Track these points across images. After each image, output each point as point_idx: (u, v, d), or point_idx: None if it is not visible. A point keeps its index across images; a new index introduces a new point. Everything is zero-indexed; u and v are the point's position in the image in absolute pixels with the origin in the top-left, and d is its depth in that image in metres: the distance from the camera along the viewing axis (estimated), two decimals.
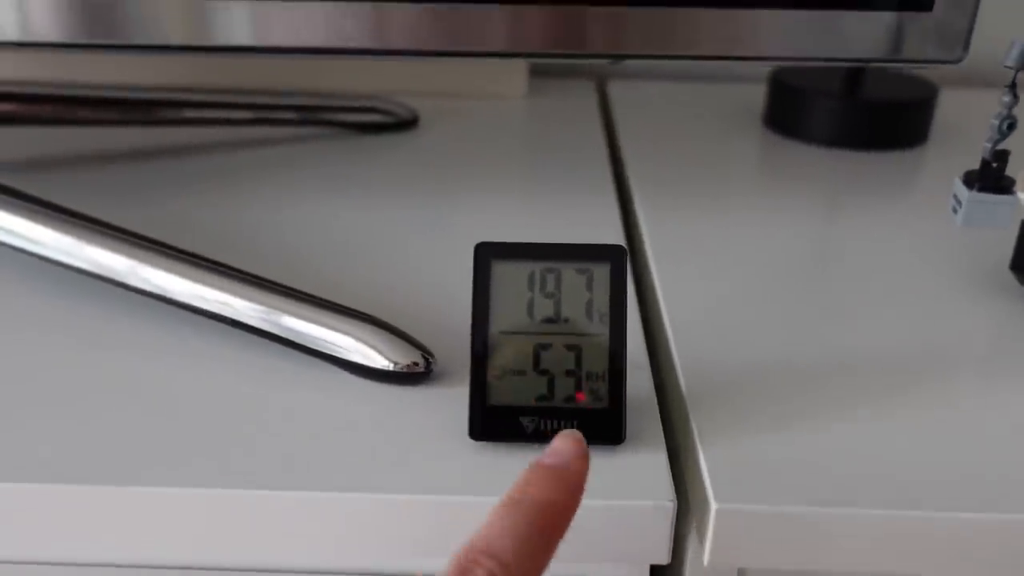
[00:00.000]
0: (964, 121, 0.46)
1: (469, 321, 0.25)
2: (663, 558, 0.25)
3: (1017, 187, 0.30)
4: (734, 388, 0.28)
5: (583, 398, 0.25)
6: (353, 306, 0.29)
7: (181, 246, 0.31)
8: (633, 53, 0.33)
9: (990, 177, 0.30)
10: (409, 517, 0.24)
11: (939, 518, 0.23)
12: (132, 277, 0.29)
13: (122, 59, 0.47)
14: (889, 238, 0.38)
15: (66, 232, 0.30)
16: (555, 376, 0.25)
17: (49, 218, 0.31)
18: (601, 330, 0.25)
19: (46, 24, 0.31)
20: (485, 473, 0.24)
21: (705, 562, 0.24)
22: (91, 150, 0.44)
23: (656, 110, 0.51)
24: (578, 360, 0.25)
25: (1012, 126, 0.29)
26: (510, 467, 0.24)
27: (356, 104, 0.47)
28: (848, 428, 0.26)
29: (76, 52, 0.34)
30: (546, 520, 0.20)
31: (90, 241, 0.30)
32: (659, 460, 0.25)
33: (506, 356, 0.25)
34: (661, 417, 0.27)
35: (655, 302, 0.33)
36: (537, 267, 0.25)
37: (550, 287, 0.25)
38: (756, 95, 0.49)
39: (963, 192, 0.30)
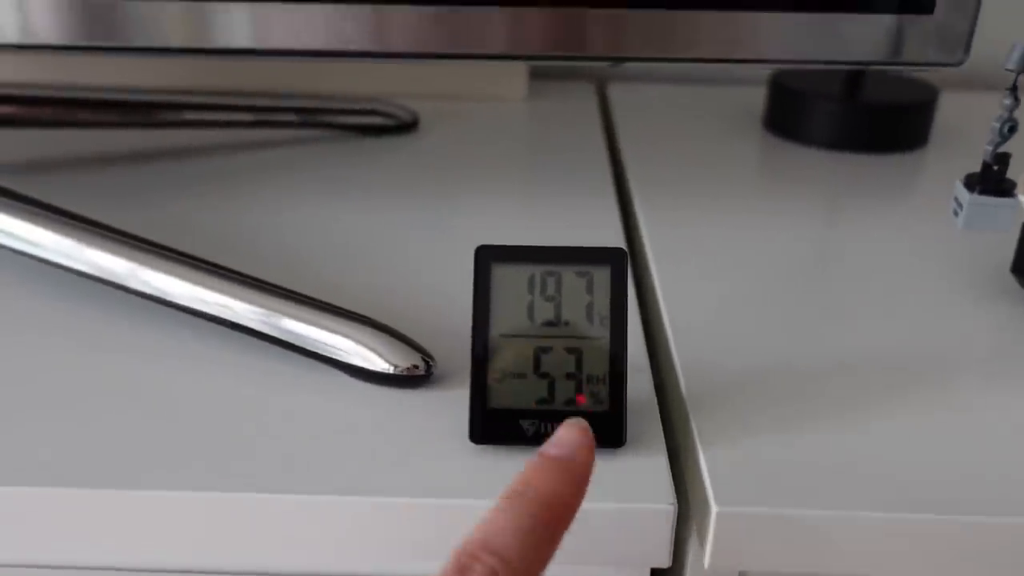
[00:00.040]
0: (964, 124, 0.46)
1: (469, 324, 0.25)
2: (664, 561, 0.25)
3: (1018, 190, 0.30)
4: (735, 391, 0.28)
5: (583, 401, 0.25)
6: (353, 309, 0.29)
7: (181, 248, 0.31)
8: (633, 56, 0.33)
9: (991, 180, 0.30)
10: (409, 520, 0.24)
11: (940, 521, 0.23)
12: (132, 280, 0.29)
13: (122, 61, 0.47)
14: (889, 241, 0.38)
15: (66, 234, 0.30)
16: (555, 379, 0.25)
17: (49, 220, 0.31)
18: (601, 333, 0.25)
19: (46, 26, 0.31)
20: (485, 476, 0.24)
21: (706, 565, 0.24)
22: (91, 152, 0.44)
23: (656, 112, 0.51)
24: (578, 363, 0.25)
25: (1013, 129, 0.29)
26: (510, 470, 0.24)
27: (356, 107, 0.47)
28: (849, 431, 0.26)
29: (76, 54, 0.34)
30: (550, 514, 0.19)
31: (90, 243, 0.30)
32: (659, 463, 0.25)
33: (506, 359, 0.25)
34: (661, 420, 0.27)
35: (655, 304, 0.33)
36: (537, 270, 0.25)
37: (550, 290, 0.25)
38: (756, 98, 0.49)
39: (964, 195, 0.30)
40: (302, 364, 0.28)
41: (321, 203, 0.39)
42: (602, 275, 0.25)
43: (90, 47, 0.32)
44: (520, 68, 0.52)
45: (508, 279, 0.25)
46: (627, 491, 0.24)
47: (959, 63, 0.32)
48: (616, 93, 0.53)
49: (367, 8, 0.31)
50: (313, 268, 0.34)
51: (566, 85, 0.54)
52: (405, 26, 0.32)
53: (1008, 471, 0.25)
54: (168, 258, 0.29)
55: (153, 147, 0.45)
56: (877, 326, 0.31)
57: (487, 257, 0.25)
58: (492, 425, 0.25)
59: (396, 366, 0.27)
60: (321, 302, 0.29)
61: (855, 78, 0.46)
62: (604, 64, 0.49)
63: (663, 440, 0.26)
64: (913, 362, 0.30)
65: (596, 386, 0.25)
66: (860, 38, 0.32)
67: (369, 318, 0.28)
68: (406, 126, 0.47)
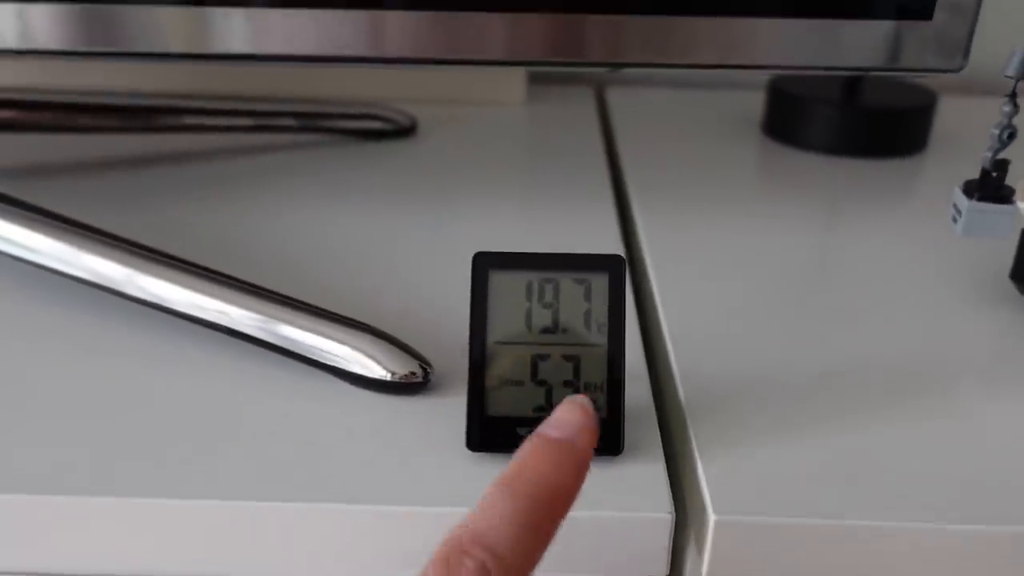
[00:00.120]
0: (963, 129, 0.46)
1: (467, 330, 0.25)
2: (661, 570, 0.24)
3: (1017, 197, 0.30)
4: (733, 398, 0.28)
5: None
6: (351, 315, 0.29)
7: (180, 253, 0.31)
8: (632, 62, 0.33)
9: (990, 187, 0.30)
10: (405, 528, 0.24)
11: (941, 529, 0.23)
12: (128, 286, 0.29)
13: (121, 65, 0.47)
14: (888, 246, 0.38)
15: (62, 240, 0.30)
16: (553, 387, 0.25)
17: (45, 226, 0.31)
18: (599, 340, 0.25)
19: (46, 31, 0.31)
20: (482, 484, 0.24)
21: (703, 574, 0.24)
22: (91, 157, 0.44)
23: (655, 117, 0.51)
24: (576, 371, 0.25)
25: (1012, 135, 0.29)
26: None
27: (355, 111, 0.47)
28: (848, 438, 0.26)
29: (76, 59, 0.34)
30: (547, 504, 0.17)
31: (86, 249, 0.30)
32: (657, 471, 0.25)
33: (504, 366, 0.25)
34: (660, 427, 0.27)
35: (653, 310, 0.33)
36: (535, 277, 0.25)
37: (548, 297, 0.25)
38: (755, 102, 0.49)
39: (963, 201, 0.30)
40: (299, 371, 0.28)
41: (320, 207, 0.39)
42: (600, 282, 0.25)
43: (90, 52, 0.32)
44: (519, 72, 0.52)
45: (506, 286, 0.25)
46: (624, 499, 0.24)
47: (958, 69, 0.32)
48: (615, 97, 0.53)
49: (365, 13, 0.32)
50: (311, 273, 0.34)
51: (565, 89, 0.54)
52: (403, 32, 0.32)
53: (1009, 478, 0.25)
54: (165, 264, 0.29)
55: (153, 151, 0.45)
56: (876, 332, 0.31)
57: (485, 264, 0.25)
58: (489, 433, 0.25)
59: (393, 373, 0.27)
60: (318, 308, 0.29)
61: (854, 83, 0.46)
62: (603, 69, 0.49)
63: (661, 448, 0.26)
64: (912, 368, 0.29)
65: (594, 394, 0.25)
66: (859, 44, 0.32)
67: (367, 325, 0.28)
68: (405, 130, 0.47)
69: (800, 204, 0.41)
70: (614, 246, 0.37)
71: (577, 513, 0.23)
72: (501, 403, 0.25)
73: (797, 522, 0.23)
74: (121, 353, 0.29)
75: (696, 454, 0.25)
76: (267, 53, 0.32)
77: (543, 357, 0.25)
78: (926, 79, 0.48)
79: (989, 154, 0.30)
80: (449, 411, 0.26)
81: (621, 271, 0.25)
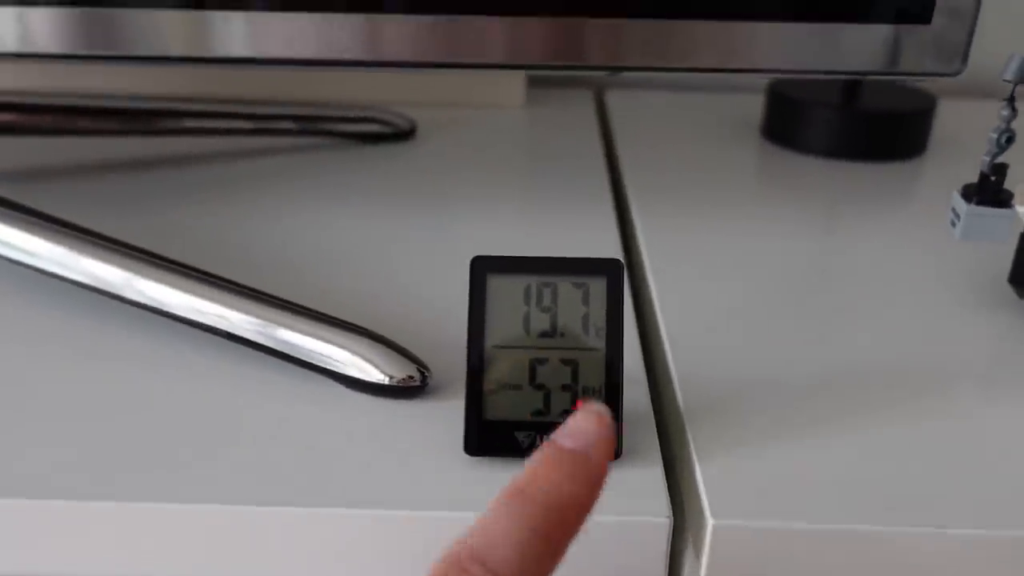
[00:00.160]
0: (962, 132, 0.46)
1: (465, 334, 0.25)
2: (659, 574, 0.24)
3: (1016, 201, 0.30)
4: (732, 401, 0.28)
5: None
6: (349, 318, 0.29)
7: (180, 255, 0.31)
8: (631, 65, 0.33)
9: (988, 191, 0.30)
10: (403, 533, 0.24)
11: (940, 534, 0.23)
12: (127, 289, 0.29)
13: (121, 68, 0.47)
14: (887, 249, 0.38)
15: (61, 244, 0.30)
16: (551, 391, 0.25)
17: (44, 230, 0.31)
18: (597, 344, 0.25)
19: (46, 35, 0.31)
20: (480, 489, 0.24)
21: None
22: (91, 160, 0.44)
23: (654, 120, 0.51)
24: (574, 374, 0.25)
25: (1010, 140, 0.29)
26: (505, 482, 0.24)
27: (354, 114, 0.47)
28: (847, 442, 0.26)
29: (76, 63, 0.34)
30: (557, 520, 0.16)
31: (85, 253, 0.30)
32: (655, 475, 0.25)
33: (502, 370, 0.25)
34: (658, 431, 0.27)
35: (652, 314, 0.33)
36: (533, 281, 0.25)
37: (546, 301, 0.25)
38: (754, 105, 0.49)
39: (961, 206, 0.30)
40: (296, 374, 0.28)
41: (319, 210, 0.39)
42: (598, 286, 0.25)
43: (90, 56, 0.32)
44: (518, 75, 0.52)
45: (504, 290, 0.25)
46: (622, 503, 0.24)
47: (956, 73, 0.32)
48: (614, 100, 0.53)
49: (365, 18, 0.32)
50: (310, 276, 0.34)
51: (564, 92, 0.54)
52: (403, 35, 0.32)
53: (1009, 482, 0.25)
54: (163, 268, 0.29)
55: (152, 154, 0.45)
56: (875, 336, 0.31)
57: (483, 267, 0.25)
58: (487, 437, 0.25)
59: (391, 377, 0.27)
60: (316, 312, 0.29)
61: (853, 87, 0.46)
62: (602, 73, 0.49)
63: (659, 452, 0.26)
64: (911, 372, 0.29)
65: (592, 397, 0.25)
66: (857, 48, 0.32)
67: (364, 328, 0.28)
68: (404, 134, 0.47)
69: (799, 207, 0.41)
70: (613, 249, 0.37)
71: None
72: (499, 407, 0.25)
73: (796, 526, 0.23)
74: (119, 357, 0.29)
75: (694, 458, 0.25)
76: (267, 57, 0.32)
77: (541, 361, 0.25)
78: (925, 82, 0.48)
79: (987, 158, 0.30)
80: (447, 415, 0.26)
81: (619, 275, 0.25)
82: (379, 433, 0.26)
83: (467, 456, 0.25)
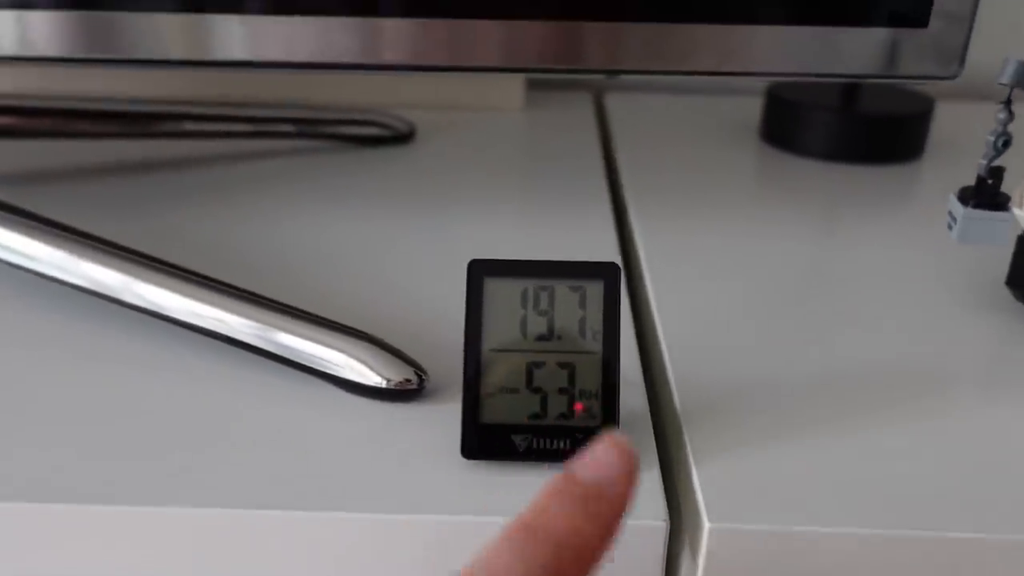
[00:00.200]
0: (961, 134, 0.46)
1: (463, 337, 0.25)
2: None
3: (1012, 204, 0.30)
4: (729, 404, 0.28)
5: (576, 416, 0.25)
6: (347, 321, 0.29)
7: (179, 258, 0.31)
8: (629, 68, 0.33)
9: (985, 194, 0.30)
10: (399, 537, 0.24)
11: (937, 538, 0.23)
12: (126, 293, 0.29)
13: (121, 72, 0.47)
14: (885, 252, 0.38)
15: (60, 248, 0.30)
16: (548, 394, 0.25)
17: (43, 233, 0.31)
18: (594, 348, 0.25)
19: (45, 38, 0.32)
20: (477, 492, 0.24)
21: None
22: (90, 163, 0.44)
23: (653, 123, 0.51)
24: (571, 378, 0.25)
25: (1007, 143, 0.29)
26: (502, 486, 0.24)
27: (353, 117, 0.47)
28: (844, 445, 0.26)
29: (75, 66, 0.34)
30: (570, 557, 0.15)
31: (84, 257, 0.30)
32: (652, 478, 0.25)
33: (499, 374, 0.25)
34: (655, 434, 0.27)
35: (649, 317, 0.33)
36: (530, 284, 0.25)
37: (543, 304, 0.25)
38: (753, 108, 0.49)
39: (958, 209, 0.30)
40: (294, 377, 0.28)
41: (318, 213, 0.40)
42: (595, 289, 0.25)
43: (89, 59, 0.32)
44: (517, 78, 0.52)
45: (501, 293, 0.25)
46: None
47: (953, 77, 0.32)
48: (613, 103, 0.53)
49: (364, 21, 0.32)
50: (308, 279, 0.34)
51: (563, 95, 0.54)
52: (402, 39, 0.32)
53: (1007, 485, 0.25)
54: (161, 271, 0.30)
55: (151, 157, 0.45)
56: (872, 338, 0.31)
57: (480, 271, 0.25)
58: (484, 440, 0.25)
59: (388, 380, 0.27)
60: (313, 315, 0.29)
61: (851, 89, 0.46)
62: (601, 75, 0.49)
63: (656, 455, 0.26)
64: (909, 375, 0.29)
65: (589, 401, 0.25)
66: (855, 52, 0.32)
67: (362, 331, 0.28)
68: (403, 136, 0.47)
69: (798, 210, 0.41)
70: (611, 252, 0.37)
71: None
72: (496, 411, 0.25)
73: (793, 529, 0.23)
74: (117, 360, 0.29)
75: (691, 461, 0.25)
76: (266, 60, 0.32)
77: (538, 364, 0.25)
78: (923, 85, 0.48)
79: (984, 161, 0.30)
80: (444, 418, 0.26)
81: (616, 278, 0.25)
82: (376, 436, 0.26)
83: (464, 459, 0.25)
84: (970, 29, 0.32)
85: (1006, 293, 0.33)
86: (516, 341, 0.25)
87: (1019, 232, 0.31)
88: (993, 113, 0.29)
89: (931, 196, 0.42)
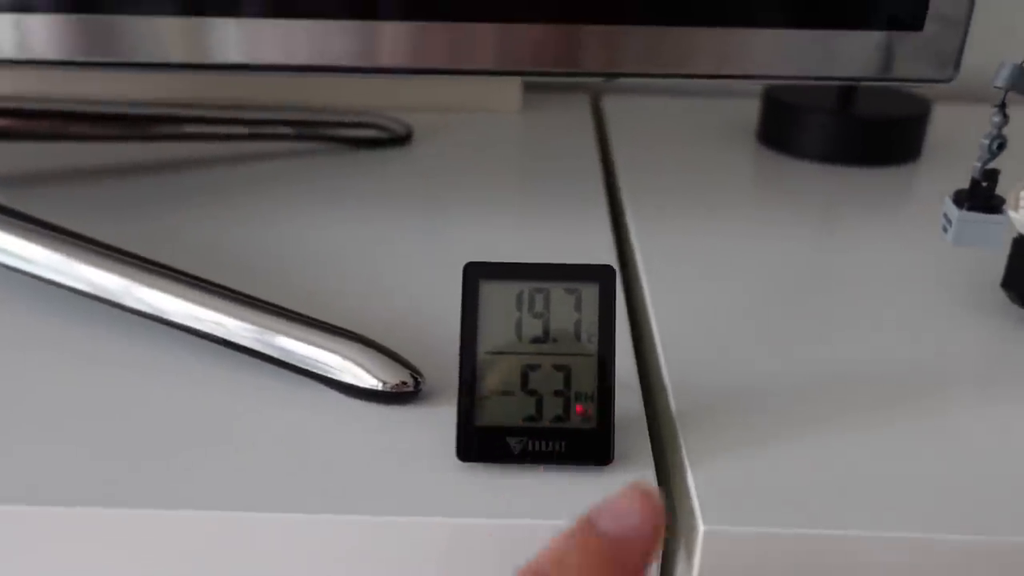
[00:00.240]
0: (957, 137, 0.46)
1: (458, 340, 0.25)
2: None
3: (1007, 206, 0.30)
4: (725, 407, 0.28)
5: (571, 419, 0.25)
6: (344, 323, 0.29)
7: (177, 260, 0.31)
8: (626, 71, 0.34)
9: (980, 196, 0.30)
10: (395, 539, 0.24)
11: (932, 539, 0.23)
12: (124, 296, 0.29)
13: (119, 74, 0.47)
14: (882, 255, 0.38)
15: (58, 251, 0.30)
16: (543, 396, 0.25)
17: (42, 236, 0.31)
18: (590, 350, 0.25)
19: (44, 41, 0.32)
20: (472, 494, 0.24)
21: None
22: (88, 165, 0.44)
23: (650, 125, 0.51)
24: (567, 380, 0.25)
25: (1002, 146, 0.29)
26: (496, 488, 0.24)
27: (351, 119, 0.47)
28: (840, 448, 0.26)
29: (73, 69, 0.34)
30: None
31: (82, 260, 0.30)
32: (647, 481, 0.25)
33: (494, 376, 0.25)
34: (651, 437, 0.27)
35: (646, 319, 0.33)
36: (525, 287, 0.25)
37: (538, 307, 0.25)
38: (750, 110, 0.49)
39: (953, 211, 0.30)
40: (290, 380, 0.28)
41: (315, 215, 0.40)
42: (590, 292, 0.25)
43: (88, 62, 0.32)
44: (514, 80, 0.52)
45: (496, 296, 0.25)
46: None
47: (949, 79, 0.32)
48: (611, 105, 0.53)
49: (362, 24, 0.32)
50: (305, 280, 0.34)
51: (561, 97, 0.54)
52: (400, 41, 0.32)
53: (1002, 487, 0.25)
54: (158, 274, 0.30)
55: (149, 160, 0.45)
56: (868, 341, 0.31)
57: (475, 274, 0.25)
58: (479, 443, 0.25)
59: (384, 383, 0.27)
60: (309, 318, 0.29)
61: (848, 92, 0.46)
62: (599, 78, 0.49)
63: (651, 458, 0.26)
64: (904, 377, 0.30)
65: (584, 403, 0.25)
66: (851, 54, 0.32)
67: (358, 334, 0.28)
68: (400, 139, 0.47)
69: (795, 212, 0.41)
70: (608, 254, 0.37)
71: (566, 523, 0.23)
72: (491, 413, 0.25)
73: (787, 532, 0.23)
74: (113, 363, 0.29)
75: (686, 463, 0.25)
76: (263, 63, 0.32)
77: (533, 367, 0.25)
78: (920, 88, 0.48)
79: (979, 164, 0.30)
80: (440, 420, 0.26)
81: (612, 281, 0.26)
82: (372, 439, 0.26)
83: (459, 462, 0.25)
84: (965, 32, 0.32)
85: (1001, 295, 0.33)
86: (511, 344, 0.25)
87: (1014, 235, 0.32)
88: (990, 116, 0.29)
89: (928, 198, 0.42)
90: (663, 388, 0.29)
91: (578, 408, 0.25)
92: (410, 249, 0.37)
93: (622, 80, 0.55)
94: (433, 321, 0.30)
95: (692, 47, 0.32)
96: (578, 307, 0.25)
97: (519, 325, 0.25)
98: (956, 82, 0.32)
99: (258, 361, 0.28)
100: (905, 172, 0.46)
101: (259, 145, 0.46)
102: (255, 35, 0.32)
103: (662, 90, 0.54)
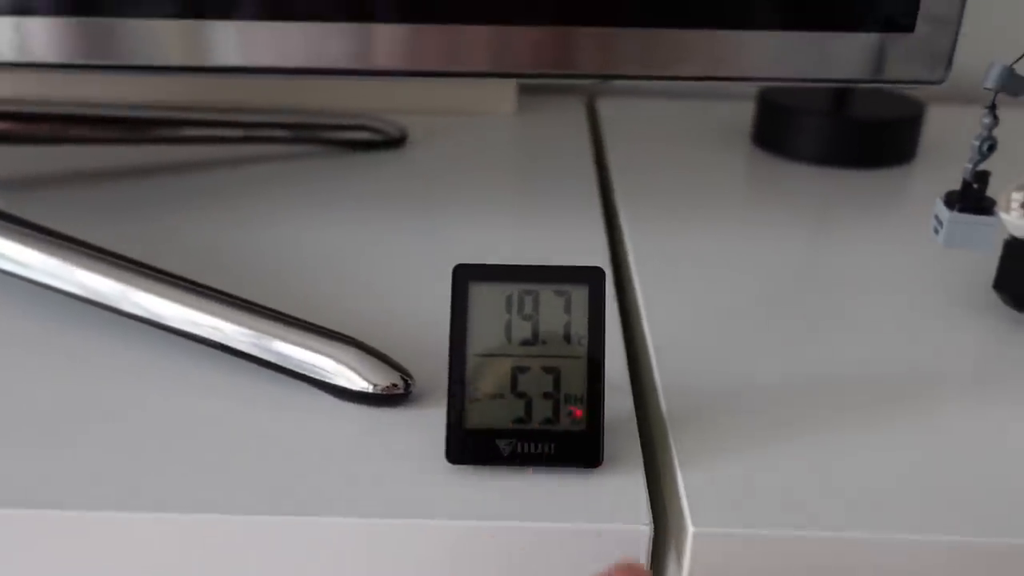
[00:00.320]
0: (952, 138, 0.46)
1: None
2: None
3: (999, 208, 0.30)
4: (716, 409, 0.28)
5: (561, 421, 0.25)
6: (336, 326, 0.29)
7: (174, 262, 0.31)
8: (621, 74, 0.34)
9: (971, 198, 0.30)
10: (384, 541, 0.24)
11: (922, 541, 0.23)
12: (121, 301, 0.29)
13: (118, 77, 0.47)
14: (876, 256, 0.38)
15: (55, 256, 0.30)
16: (533, 399, 0.25)
17: (38, 241, 0.31)
18: (579, 352, 0.25)
19: (43, 45, 0.32)
20: (461, 497, 0.24)
21: None
22: (87, 168, 0.44)
23: (645, 127, 0.51)
24: (556, 383, 0.25)
25: (992, 147, 0.29)
26: (486, 491, 0.24)
27: (346, 122, 0.47)
28: (830, 449, 0.26)
29: (73, 72, 0.34)
30: None
31: (78, 265, 0.30)
32: (637, 483, 0.25)
33: (484, 378, 0.25)
34: (641, 439, 0.27)
35: (639, 320, 0.33)
36: (515, 289, 0.26)
37: (528, 309, 0.26)
38: (745, 113, 0.50)
39: (944, 213, 0.30)
40: (280, 382, 0.28)
41: (310, 217, 0.40)
42: (580, 294, 0.25)
43: (87, 65, 0.32)
44: (509, 83, 0.52)
45: (486, 298, 0.25)
46: (603, 512, 0.24)
47: (940, 81, 0.32)
48: (606, 108, 0.53)
49: (357, 27, 0.32)
50: (299, 282, 0.34)
51: (556, 100, 0.54)
52: (395, 44, 0.32)
53: (991, 489, 0.25)
54: (153, 279, 0.30)
55: (147, 162, 0.45)
56: (860, 342, 0.31)
57: (464, 276, 0.25)
58: (469, 445, 0.25)
59: (375, 385, 0.27)
60: (300, 320, 0.29)
61: (842, 94, 0.46)
62: (593, 80, 0.49)
63: (641, 459, 0.26)
64: (896, 379, 0.30)
65: (574, 405, 0.25)
66: (844, 56, 0.32)
67: (348, 336, 0.28)
68: (395, 141, 0.47)
69: (789, 214, 0.41)
70: (602, 256, 0.37)
71: (554, 525, 0.24)
72: (481, 415, 0.25)
73: (777, 533, 0.23)
74: (107, 365, 0.29)
75: (676, 465, 0.25)
76: (260, 66, 0.33)
77: (523, 369, 0.25)
78: (914, 90, 0.48)
79: (970, 166, 0.30)
80: (430, 423, 0.26)
81: (601, 283, 0.26)
82: (362, 441, 0.26)
83: (449, 464, 0.25)
84: (956, 33, 0.32)
85: (993, 296, 0.33)
86: (501, 346, 0.25)
87: (1005, 237, 0.32)
88: (980, 118, 0.29)
89: (922, 200, 0.42)
90: (654, 389, 0.29)
91: (576, 412, 0.25)
92: (405, 251, 0.37)
93: (617, 82, 0.55)
94: (426, 323, 0.30)
95: (686, 49, 0.33)
96: (568, 309, 0.25)
97: (509, 327, 0.25)
98: (950, 84, 0.33)
99: (248, 363, 0.28)
100: (899, 174, 0.46)
101: (255, 148, 0.46)
102: (251, 38, 0.32)
103: (657, 92, 0.54)
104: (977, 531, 0.23)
